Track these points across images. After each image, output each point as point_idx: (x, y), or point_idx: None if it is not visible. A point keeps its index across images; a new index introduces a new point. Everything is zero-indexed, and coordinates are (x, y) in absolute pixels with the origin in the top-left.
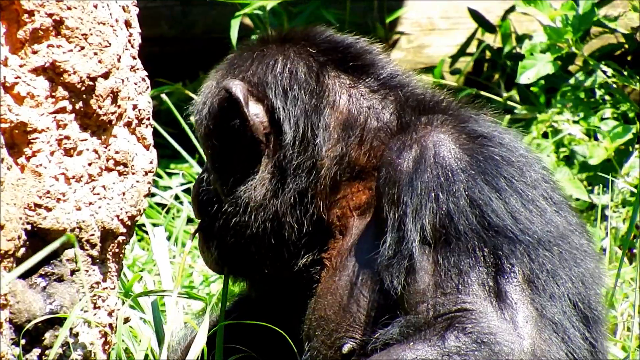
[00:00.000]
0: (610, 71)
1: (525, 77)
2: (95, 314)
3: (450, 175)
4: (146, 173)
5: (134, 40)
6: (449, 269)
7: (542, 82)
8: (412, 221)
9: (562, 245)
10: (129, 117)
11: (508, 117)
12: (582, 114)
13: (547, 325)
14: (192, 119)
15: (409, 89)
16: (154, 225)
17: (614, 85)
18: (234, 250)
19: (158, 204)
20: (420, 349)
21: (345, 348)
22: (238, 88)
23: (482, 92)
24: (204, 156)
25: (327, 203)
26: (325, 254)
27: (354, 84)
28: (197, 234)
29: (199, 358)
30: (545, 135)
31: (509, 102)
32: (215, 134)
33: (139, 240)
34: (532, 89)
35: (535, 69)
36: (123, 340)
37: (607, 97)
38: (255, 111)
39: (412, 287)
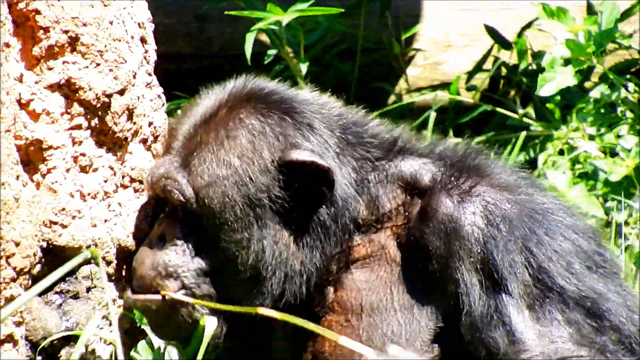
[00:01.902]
0: (632, 86)
1: (546, 89)
2: (111, 331)
3: (528, 229)
4: None
5: (149, 56)
6: (551, 321)
7: (559, 98)
8: (509, 278)
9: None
10: (144, 134)
11: (524, 134)
12: (603, 130)
13: None
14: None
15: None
16: None
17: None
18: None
19: None
20: None
21: None
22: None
23: (498, 109)
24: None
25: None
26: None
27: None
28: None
29: None
30: (561, 152)
31: (524, 119)
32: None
33: None
34: (548, 105)
35: (555, 81)
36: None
37: (628, 113)
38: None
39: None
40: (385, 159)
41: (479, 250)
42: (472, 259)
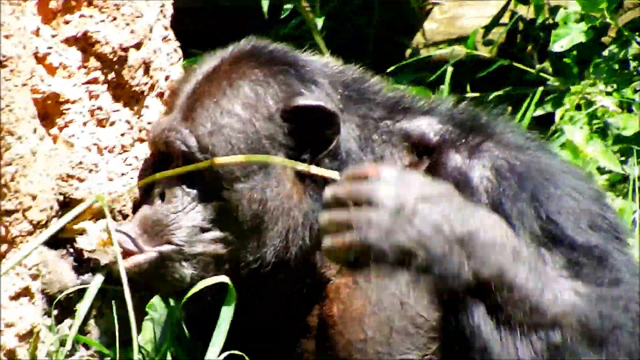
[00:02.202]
0: None
1: (559, 45)
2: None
3: (537, 183)
4: None
5: (166, 10)
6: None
7: (575, 53)
8: (516, 226)
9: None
10: (161, 88)
11: (541, 89)
12: (615, 86)
13: None
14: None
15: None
16: None
17: None
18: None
19: None
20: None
21: None
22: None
23: (515, 64)
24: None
25: None
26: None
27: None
28: None
29: None
30: (578, 108)
31: (541, 74)
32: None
33: None
34: (564, 60)
35: (568, 37)
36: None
37: None
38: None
39: None
40: (390, 118)
41: (488, 202)
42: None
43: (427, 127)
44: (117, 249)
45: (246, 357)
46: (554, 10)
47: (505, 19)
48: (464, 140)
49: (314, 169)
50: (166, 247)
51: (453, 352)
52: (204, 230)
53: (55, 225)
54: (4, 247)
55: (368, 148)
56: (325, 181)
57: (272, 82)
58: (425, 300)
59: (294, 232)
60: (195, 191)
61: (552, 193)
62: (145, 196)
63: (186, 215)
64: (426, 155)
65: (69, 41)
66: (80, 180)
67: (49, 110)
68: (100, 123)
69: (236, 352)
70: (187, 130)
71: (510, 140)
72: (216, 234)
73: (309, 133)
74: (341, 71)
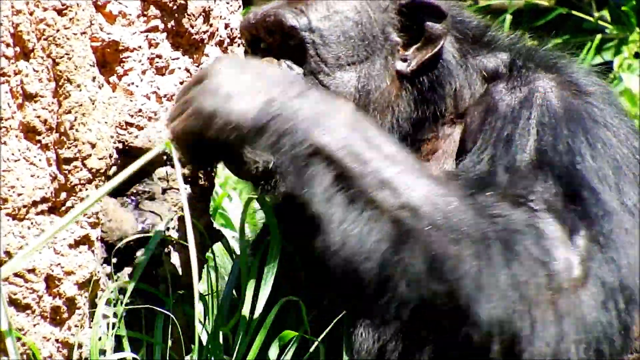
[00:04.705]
0: None
1: None
2: (185, 233)
3: (554, 119)
4: None
5: None
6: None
7: (634, 2)
8: (516, 147)
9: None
10: (220, 36)
11: (599, 37)
12: None
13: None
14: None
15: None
16: None
17: None
18: None
19: None
20: None
21: None
22: None
23: (574, 12)
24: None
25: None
26: None
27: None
28: None
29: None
30: (636, 56)
31: (600, 22)
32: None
33: None
34: (623, 8)
35: None
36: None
37: None
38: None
39: None
40: (474, 49)
41: (507, 128)
42: (494, 133)
43: (501, 62)
44: (184, 195)
45: (302, 304)
46: None
47: None
48: (523, 75)
49: None
50: None
51: None
52: None
53: (124, 173)
54: (63, 195)
55: (460, 67)
56: (422, 87)
57: None
58: None
59: (391, 128)
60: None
61: (577, 146)
62: None
63: None
64: None
65: None
66: (140, 128)
67: (108, 59)
68: (160, 71)
69: (293, 297)
70: (299, 10)
71: (573, 80)
72: None
73: (418, 31)
74: None
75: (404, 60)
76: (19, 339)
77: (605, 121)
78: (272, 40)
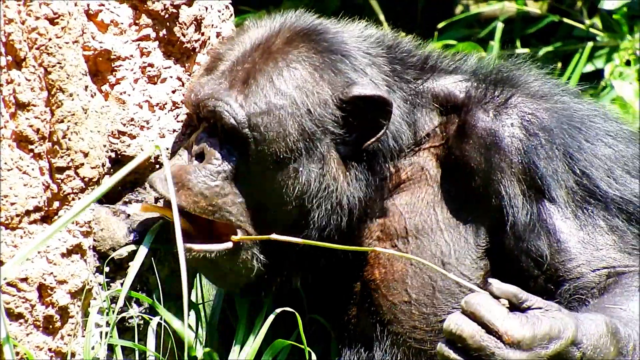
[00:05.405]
0: None
1: (610, 3)
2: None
3: (568, 136)
4: None
5: None
6: (594, 227)
7: (625, 9)
8: (552, 185)
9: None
10: (212, 45)
11: (590, 44)
12: None
13: None
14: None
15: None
16: None
17: None
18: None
19: None
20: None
21: None
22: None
23: (565, 20)
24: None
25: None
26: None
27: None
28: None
29: None
30: (628, 63)
31: (591, 30)
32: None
33: None
34: (614, 16)
35: None
36: None
37: None
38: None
39: (560, 248)
40: (420, 79)
41: (520, 161)
42: (513, 170)
43: (453, 85)
44: (174, 199)
45: (297, 314)
46: None
47: None
48: (490, 97)
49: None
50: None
51: None
52: (241, 204)
53: (114, 177)
54: (56, 204)
55: (410, 116)
56: (369, 161)
57: (328, 67)
58: (467, 260)
59: (336, 212)
60: (236, 161)
61: (584, 144)
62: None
63: (229, 183)
64: (454, 114)
65: None
66: (132, 136)
67: (100, 67)
68: (152, 80)
69: (288, 309)
70: (238, 104)
71: (536, 89)
72: (254, 209)
73: (361, 120)
74: (378, 41)
75: (347, 144)
76: (14, 346)
77: (584, 115)
78: (214, 123)
